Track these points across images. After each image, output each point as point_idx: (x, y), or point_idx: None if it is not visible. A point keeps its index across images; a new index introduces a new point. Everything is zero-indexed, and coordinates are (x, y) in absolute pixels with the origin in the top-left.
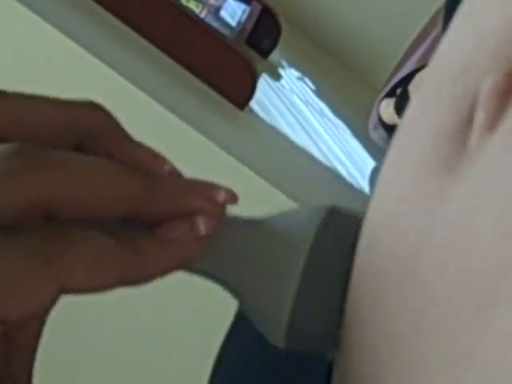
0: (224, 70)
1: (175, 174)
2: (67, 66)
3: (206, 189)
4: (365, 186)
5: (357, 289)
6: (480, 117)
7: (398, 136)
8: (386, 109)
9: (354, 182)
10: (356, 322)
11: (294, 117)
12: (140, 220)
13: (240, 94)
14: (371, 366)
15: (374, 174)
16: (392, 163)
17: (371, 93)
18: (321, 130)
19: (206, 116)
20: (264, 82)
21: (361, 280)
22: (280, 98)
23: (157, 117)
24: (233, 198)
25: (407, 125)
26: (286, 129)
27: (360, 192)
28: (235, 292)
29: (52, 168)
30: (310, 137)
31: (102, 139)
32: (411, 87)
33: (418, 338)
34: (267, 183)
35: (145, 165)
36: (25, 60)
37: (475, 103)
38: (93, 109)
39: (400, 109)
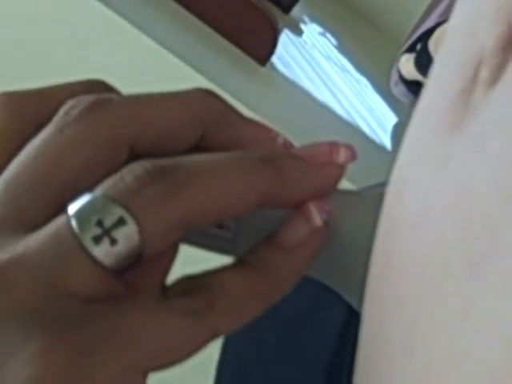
0: (245, 26)
1: (288, 144)
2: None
3: (326, 155)
4: (387, 141)
5: (375, 249)
6: (484, 73)
7: (418, 102)
8: (406, 64)
9: (375, 138)
10: (370, 280)
11: (316, 72)
12: (269, 206)
13: (261, 49)
14: (377, 326)
15: (396, 129)
16: (408, 130)
17: (394, 48)
18: (343, 85)
19: (227, 71)
20: (285, 38)
21: (378, 244)
22: (302, 54)
23: (177, 72)
24: (352, 154)
25: (425, 89)
26: (307, 84)
27: (382, 148)
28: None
29: (188, 186)
30: (332, 92)
31: (222, 124)
32: (431, 42)
33: (417, 302)
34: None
35: (262, 141)
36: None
37: (481, 62)
38: (207, 96)
39: (420, 64)
